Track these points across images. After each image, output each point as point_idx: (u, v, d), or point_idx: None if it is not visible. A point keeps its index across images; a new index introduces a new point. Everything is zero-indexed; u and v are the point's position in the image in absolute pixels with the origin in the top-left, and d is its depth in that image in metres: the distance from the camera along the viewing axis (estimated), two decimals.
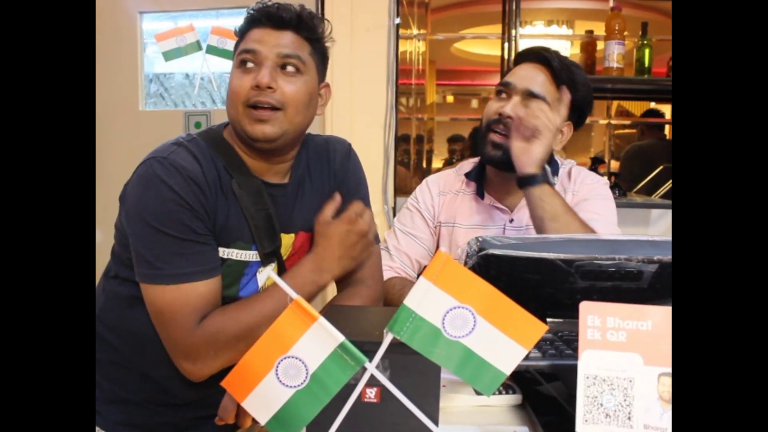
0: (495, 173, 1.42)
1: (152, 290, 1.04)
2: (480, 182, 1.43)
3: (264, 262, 1.15)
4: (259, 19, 1.10)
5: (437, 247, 1.48)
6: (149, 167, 1.04)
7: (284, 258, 1.20)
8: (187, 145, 1.08)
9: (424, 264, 1.48)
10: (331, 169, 1.25)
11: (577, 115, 1.39)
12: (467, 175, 1.46)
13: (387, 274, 1.44)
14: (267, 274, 1.17)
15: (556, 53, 1.36)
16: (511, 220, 1.41)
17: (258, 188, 1.12)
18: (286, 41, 1.09)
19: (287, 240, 1.19)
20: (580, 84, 1.35)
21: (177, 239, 1.02)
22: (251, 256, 1.13)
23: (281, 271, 1.19)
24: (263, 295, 1.10)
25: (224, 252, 1.10)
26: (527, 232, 1.38)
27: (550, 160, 1.43)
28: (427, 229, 1.47)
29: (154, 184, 1.03)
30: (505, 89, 1.36)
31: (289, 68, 1.09)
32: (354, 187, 1.27)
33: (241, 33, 1.13)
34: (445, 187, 1.49)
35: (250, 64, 1.08)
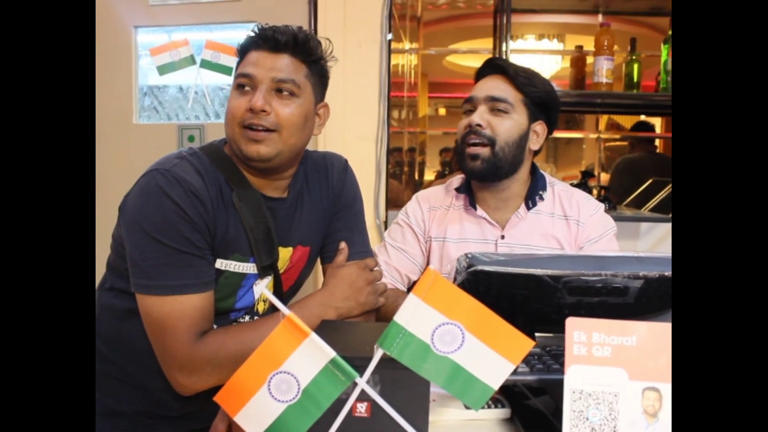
0: (480, 187, 1.44)
1: (148, 301, 1.04)
2: (470, 194, 1.45)
3: (261, 274, 1.16)
4: (256, 41, 1.12)
5: (428, 262, 1.49)
6: (152, 178, 1.05)
7: (281, 271, 1.21)
8: (189, 159, 1.10)
9: (414, 279, 1.49)
10: (329, 185, 1.28)
11: (546, 113, 1.42)
12: (457, 189, 1.48)
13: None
14: (261, 289, 1.18)
15: (509, 62, 1.44)
16: (503, 237, 1.42)
17: (258, 201, 1.14)
18: (281, 65, 1.10)
19: (285, 254, 1.20)
20: (539, 83, 1.40)
21: (175, 250, 1.03)
22: (249, 268, 1.14)
23: (277, 285, 1.21)
24: (269, 319, 1.12)
25: (222, 264, 1.11)
26: (518, 250, 1.40)
27: (536, 174, 1.45)
28: (418, 245, 1.49)
29: (156, 195, 1.04)
30: (470, 104, 1.41)
31: (284, 92, 1.10)
32: (350, 203, 1.30)
33: (241, 53, 1.15)
34: (436, 203, 1.50)
35: (246, 87, 1.10)
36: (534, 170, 1.47)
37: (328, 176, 1.28)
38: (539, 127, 1.42)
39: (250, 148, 1.09)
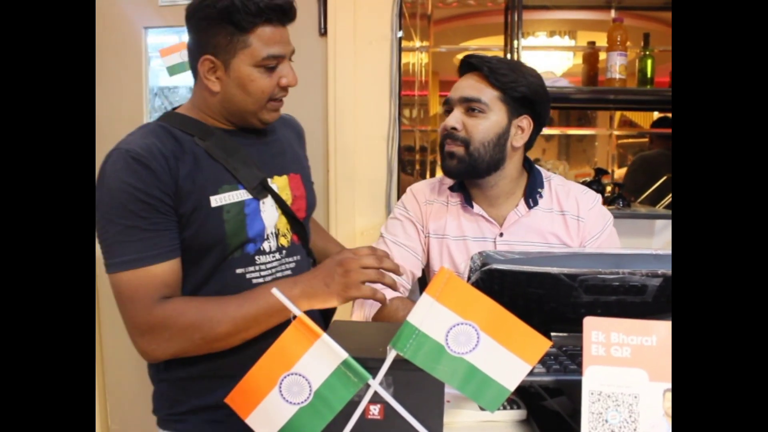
0: (469, 184, 1.43)
1: (111, 279, 1.08)
2: (465, 192, 1.43)
3: (258, 196, 1.18)
4: (270, 17, 1.12)
5: (428, 257, 1.47)
6: (104, 161, 1.11)
7: (289, 202, 1.24)
8: (144, 129, 1.16)
9: (417, 275, 1.47)
10: (296, 132, 1.39)
11: (531, 107, 1.36)
12: (451, 188, 1.45)
13: (385, 293, 1.39)
14: (272, 216, 1.21)
15: (486, 58, 1.36)
16: (501, 234, 1.40)
17: (220, 135, 1.19)
18: (288, 36, 1.17)
19: (282, 182, 1.25)
20: (519, 78, 1.33)
21: (124, 227, 1.06)
22: (242, 195, 1.17)
23: (289, 216, 1.23)
24: (234, 297, 1.11)
25: (216, 199, 1.14)
26: (517, 248, 1.38)
27: (532, 170, 1.43)
28: (418, 239, 1.46)
29: (105, 177, 1.09)
30: (447, 105, 1.39)
31: (292, 60, 1.18)
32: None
33: (245, 24, 1.11)
34: (431, 196, 1.48)
35: (272, 65, 1.14)
36: (530, 167, 1.44)
37: (290, 124, 1.40)
38: (524, 122, 1.37)
39: (273, 116, 1.20)
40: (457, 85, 1.39)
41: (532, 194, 1.40)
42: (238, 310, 1.07)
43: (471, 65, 1.38)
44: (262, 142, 1.27)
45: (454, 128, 1.34)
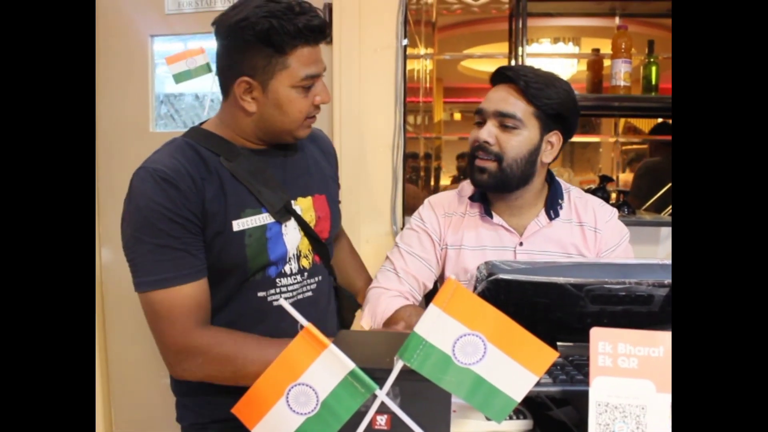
0: (493, 196, 1.42)
1: (142, 297, 1.08)
2: (485, 203, 1.43)
3: (280, 220, 1.18)
4: (307, 38, 1.11)
5: (443, 269, 1.46)
6: (132, 179, 1.10)
7: (312, 224, 1.24)
8: (170, 146, 1.15)
9: (430, 287, 1.47)
10: (324, 150, 1.38)
11: (562, 123, 1.36)
12: (471, 198, 1.45)
13: (397, 301, 1.39)
14: (295, 239, 1.20)
15: (522, 71, 1.34)
16: (521, 244, 1.40)
17: (247, 156, 1.17)
18: (321, 54, 1.16)
19: (306, 203, 1.24)
20: (553, 93, 1.32)
21: (155, 245, 1.06)
22: (265, 218, 1.16)
23: (312, 238, 1.23)
24: (275, 342, 1.10)
25: (238, 224, 1.13)
26: (537, 257, 1.38)
27: (553, 182, 1.43)
28: (434, 251, 1.46)
29: (134, 195, 1.08)
30: (480, 116, 1.37)
31: (323, 76, 1.18)
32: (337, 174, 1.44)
33: (284, 46, 1.10)
34: (450, 208, 1.47)
35: (309, 85, 1.14)
36: (551, 178, 1.44)
37: (319, 140, 1.40)
38: (554, 137, 1.36)
39: (306, 132, 1.20)
40: (491, 97, 1.37)
41: (553, 206, 1.40)
42: (267, 353, 1.06)
43: (506, 77, 1.35)
44: (289, 161, 1.25)
45: (486, 142, 1.33)
